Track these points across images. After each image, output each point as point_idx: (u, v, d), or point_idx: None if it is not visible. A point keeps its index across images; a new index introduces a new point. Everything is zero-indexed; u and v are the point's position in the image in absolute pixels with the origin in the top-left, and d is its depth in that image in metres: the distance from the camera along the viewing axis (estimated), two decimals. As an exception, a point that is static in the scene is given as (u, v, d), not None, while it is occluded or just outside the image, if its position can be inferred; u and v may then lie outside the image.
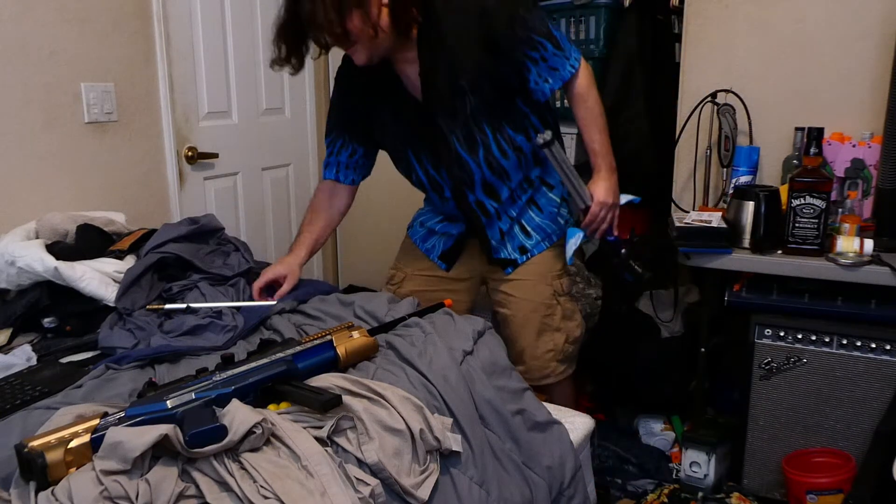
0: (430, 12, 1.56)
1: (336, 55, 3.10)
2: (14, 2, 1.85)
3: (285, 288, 1.69)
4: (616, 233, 1.75)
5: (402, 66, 1.63)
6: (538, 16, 1.60)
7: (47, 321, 1.55)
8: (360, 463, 1.04)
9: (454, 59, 1.58)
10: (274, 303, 1.60)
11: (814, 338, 1.85)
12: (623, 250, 1.76)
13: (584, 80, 1.66)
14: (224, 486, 0.95)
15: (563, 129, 1.92)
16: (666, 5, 2.41)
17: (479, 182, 1.70)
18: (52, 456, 0.93)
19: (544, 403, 1.42)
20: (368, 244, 2.98)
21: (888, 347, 1.78)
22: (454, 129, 1.64)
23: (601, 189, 1.69)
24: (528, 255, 1.78)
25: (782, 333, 1.88)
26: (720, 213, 2.01)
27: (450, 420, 1.18)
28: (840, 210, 1.97)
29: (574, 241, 1.73)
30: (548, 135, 1.60)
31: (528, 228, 1.78)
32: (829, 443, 1.87)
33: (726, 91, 2.12)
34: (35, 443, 0.94)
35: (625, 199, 1.75)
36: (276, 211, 2.81)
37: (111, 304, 1.56)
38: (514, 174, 1.72)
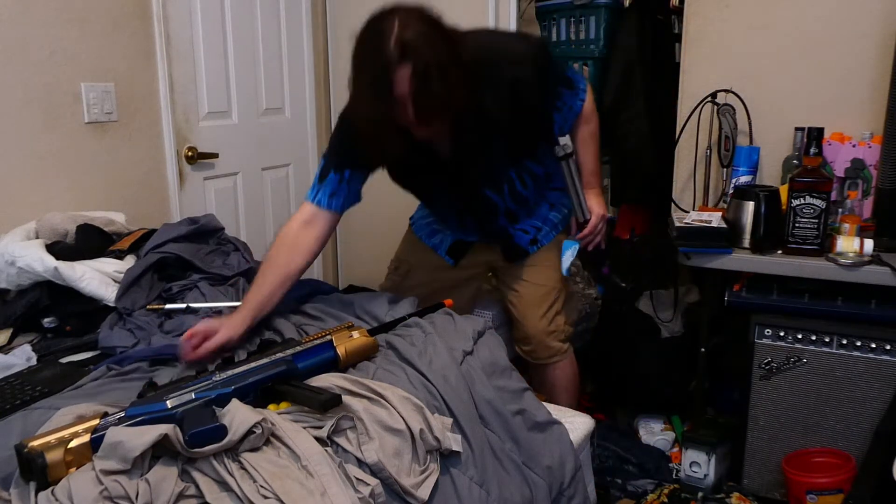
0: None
1: (337, 53, 3.10)
2: (14, 2, 1.85)
3: (211, 344, 1.33)
4: (603, 246, 1.87)
5: None
6: (556, 65, 1.67)
7: (47, 321, 1.55)
8: (360, 463, 1.04)
9: (487, 126, 1.57)
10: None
11: (814, 338, 1.85)
12: (606, 266, 1.87)
13: (589, 104, 1.75)
14: (224, 485, 0.95)
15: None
16: (666, 5, 2.41)
17: (503, 212, 1.76)
18: (52, 456, 0.93)
19: (544, 403, 1.42)
20: (368, 244, 2.98)
21: (888, 347, 1.78)
22: (481, 177, 1.68)
23: (600, 203, 1.82)
24: (538, 245, 1.85)
25: (782, 333, 1.88)
26: (720, 213, 2.01)
27: (450, 420, 1.18)
28: (840, 210, 1.97)
29: (570, 253, 1.82)
30: (569, 148, 1.67)
31: (540, 224, 1.85)
32: (829, 443, 1.87)
33: (726, 91, 2.12)
34: (35, 443, 0.94)
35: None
36: (276, 211, 2.81)
37: (111, 304, 1.56)
38: (533, 198, 1.79)
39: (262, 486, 0.94)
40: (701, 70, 2.17)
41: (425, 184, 1.75)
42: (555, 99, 1.68)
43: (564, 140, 1.68)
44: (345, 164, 1.58)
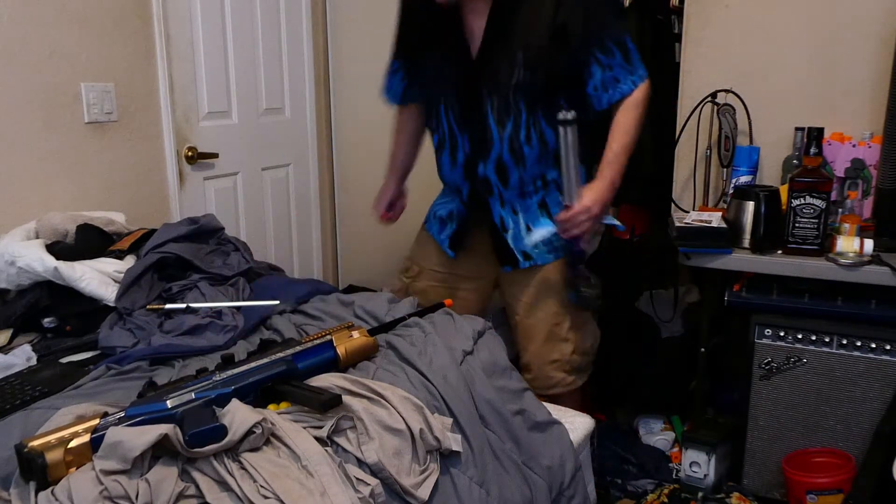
0: None
1: (337, 53, 3.09)
2: (14, 2, 1.85)
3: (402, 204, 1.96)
4: (584, 247, 1.69)
5: (471, 16, 1.64)
6: (618, 22, 1.62)
7: (47, 321, 1.55)
8: (360, 463, 1.04)
9: (521, 31, 1.59)
10: (275, 303, 1.60)
11: (814, 338, 1.85)
12: (579, 271, 1.71)
13: (639, 95, 1.66)
14: (224, 485, 0.95)
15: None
16: (666, 5, 2.41)
17: (495, 158, 1.68)
18: (52, 456, 0.93)
19: (544, 403, 1.42)
20: (368, 244, 2.98)
21: (888, 347, 1.78)
22: (493, 94, 1.64)
23: (592, 195, 1.61)
24: (532, 262, 1.75)
25: (782, 333, 1.88)
26: (720, 213, 2.01)
27: (450, 420, 1.18)
28: (840, 210, 1.98)
29: (542, 232, 1.69)
30: (571, 114, 1.56)
31: (520, 212, 1.74)
32: (829, 443, 1.87)
33: (726, 91, 2.13)
34: (35, 443, 0.94)
35: (608, 219, 1.70)
36: (276, 211, 2.81)
37: (111, 304, 1.56)
38: (530, 165, 1.69)
39: (262, 486, 0.94)
40: (701, 70, 2.17)
41: (440, 91, 1.72)
42: (599, 48, 1.58)
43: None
44: (395, 53, 1.84)
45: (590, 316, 1.85)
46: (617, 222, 1.74)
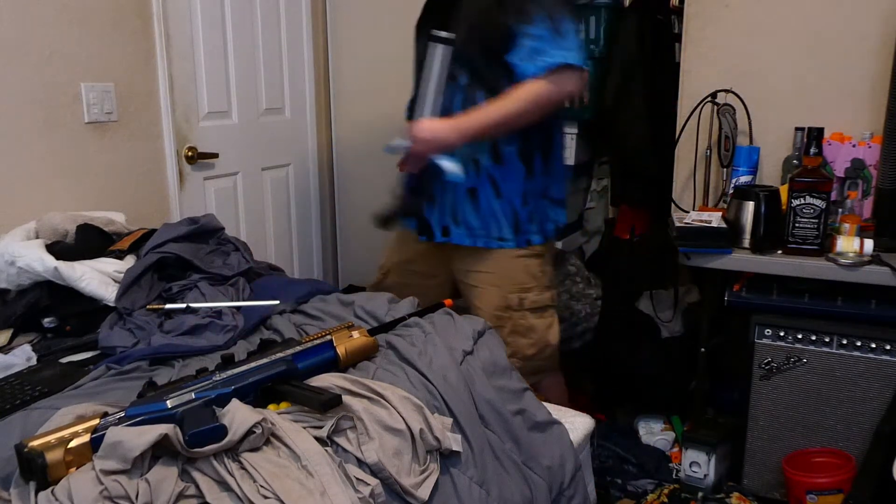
0: None
1: (337, 54, 3.10)
2: (14, 2, 1.85)
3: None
4: (412, 170, 1.68)
5: None
6: (559, 2, 1.56)
7: (47, 321, 1.55)
8: (360, 463, 1.04)
9: (471, 4, 1.63)
10: (275, 303, 1.60)
11: (814, 338, 1.85)
12: (404, 195, 1.73)
13: (564, 76, 1.56)
14: (224, 485, 0.95)
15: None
16: (666, 5, 2.41)
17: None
18: (52, 456, 0.93)
19: (544, 403, 1.42)
20: (368, 244, 2.98)
21: (888, 347, 1.78)
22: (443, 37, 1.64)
23: (428, 124, 1.58)
24: (448, 238, 1.77)
25: (782, 333, 1.88)
26: (720, 213, 2.01)
27: (450, 420, 1.18)
28: (840, 210, 1.97)
29: (398, 143, 1.63)
30: (444, 34, 1.53)
31: (459, 219, 1.75)
32: (829, 443, 1.87)
33: (726, 91, 2.12)
34: (35, 443, 0.94)
35: (448, 165, 1.59)
36: (275, 211, 2.81)
37: (111, 304, 1.56)
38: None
39: (262, 486, 0.94)
40: (701, 70, 2.17)
41: (421, 36, 1.79)
42: (530, 23, 1.53)
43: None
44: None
45: (543, 326, 1.80)
46: (455, 170, 1.59)
